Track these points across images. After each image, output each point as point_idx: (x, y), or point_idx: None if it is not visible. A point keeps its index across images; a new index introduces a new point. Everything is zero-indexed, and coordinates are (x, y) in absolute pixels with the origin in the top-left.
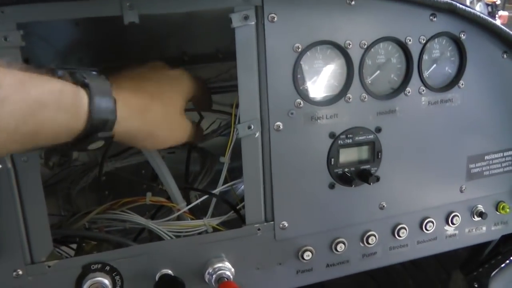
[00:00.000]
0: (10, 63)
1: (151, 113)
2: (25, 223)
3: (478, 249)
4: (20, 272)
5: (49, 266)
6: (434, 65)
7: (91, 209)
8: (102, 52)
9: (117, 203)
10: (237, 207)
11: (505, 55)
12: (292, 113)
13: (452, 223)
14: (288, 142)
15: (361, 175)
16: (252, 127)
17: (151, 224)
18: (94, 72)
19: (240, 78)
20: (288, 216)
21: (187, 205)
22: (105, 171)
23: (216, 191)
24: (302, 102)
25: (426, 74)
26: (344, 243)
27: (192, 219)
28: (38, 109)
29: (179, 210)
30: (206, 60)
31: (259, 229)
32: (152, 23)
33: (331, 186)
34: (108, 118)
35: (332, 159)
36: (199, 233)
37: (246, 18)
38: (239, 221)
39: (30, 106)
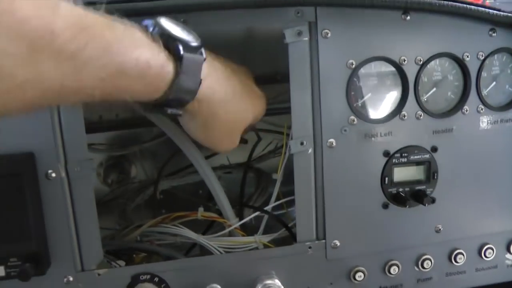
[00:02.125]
0: None
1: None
2: (76, 231)
3: None
4: (71, 279)
5: (99, 274)
6: (494, 83)
7: (143, 222)
8: None
9: (169, 217)
10: (289, 225)
11: None
12: (345, 130)
13: None
14: (341, 159)
15: (416, 196)
16: (305, 143)
17: (202, 239)
18: (194, 44)
19: (293, 94)
20: (340, 235)
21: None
22: (162, 189)
23: (268, 207)
24: (355, 119)
25: (485, 92)
26: (398, 266)
27: (243, 236)
28: (117, 77)
29: (230, 226)
30: (264, 81)
31: (310, 248)
32: (211, 43)
33: (385, 206)
34: (187, 98)
35: (386, 178)
36: (250, 250)
37: (299, 34)
38: (291, 239)
39: (110, 74)
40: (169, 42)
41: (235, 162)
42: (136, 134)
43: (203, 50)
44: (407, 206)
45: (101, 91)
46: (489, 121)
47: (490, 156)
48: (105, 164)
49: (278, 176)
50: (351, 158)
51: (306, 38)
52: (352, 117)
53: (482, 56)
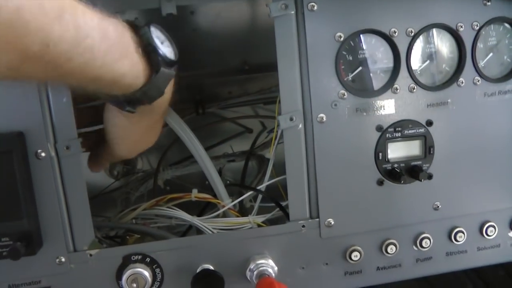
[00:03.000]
0: None
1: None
2: (68, 211)
3: None
4: (63, 260)
5: (90, 255)
6: (491, 54)
7: (138, 205)
8: None
9: (163, 199)
10: (283, 204)
11: None
12: (335, 105)
13: None
14: (333, 134)
15: (412, 172)
16: (294, 118)
17: (196, 221)
18: (172, 59)
19: (280, 69)
20: (334, 213)
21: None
22: (165, 179)
23: (261, 186)
24: (346, 93)
25: (481, 63)
26: (395, 245)
27: (237, 216)
28: (91, 82)
29: (224, 206)
30: (266, 69)
31: (303, 226)
32: (213, 34)
33: (380, 183)
34: (146, 102)
35: (380, 154)
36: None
37: (285, 7)
38: (285, 219)
39: (87, 79)
40: (151, 53)
41: (239, 151)
42: None
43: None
44: (402, 182)
45: (73, 87)
46: (486, 93)
47: (487, 129)
48: None
49: (271, 155)
50: (343, 133)
51: (292, 12)
52: (342, 91)
53: (477, 26)
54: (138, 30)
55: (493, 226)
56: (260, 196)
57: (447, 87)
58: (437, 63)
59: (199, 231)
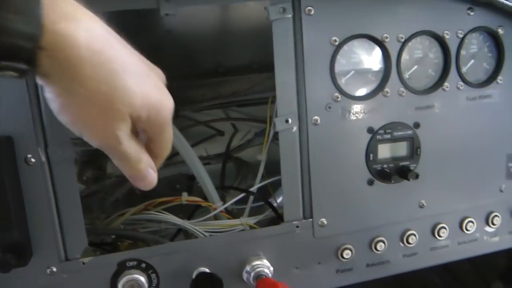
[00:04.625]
0: None
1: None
2: (59, 218)
3: None
4: (54, 269)
5: (83, 263)
6: (472, 61)
7: (126, 210)
8: None
9: (152, 203)
10: (275, 205)
11: None
12: (329, 107)
13: (493, 224)
14: (326, 136)
15: (401, 172)
16: (290, 121)
17: (187, 224)
18: None
19: (277, 72)
20: (327, 213)
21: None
22: None
23: (253, 189)
24: (339, 96)
25: (464, 69)
26: (384, 242)
27: (229, 219)
28: None
29: (215, 209)
30: (240, 72)
31: (297, 227)
32: (187, 36)
33: (370, 183)
34: (22, 44)
35: (371, 155)
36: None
37: (283, 10)
38: (277, 221)
39: None
40: None
41: (214, 153)
42: None
43: None
44: (393, 182)
45: None
46: (468, 97)
47: (469, 131)
48: (80, 161)
49: (263, 157)
50: (335, 135)
51: (290, 15)
52: (336, 94)
53: (461, 34)
54: None
55: (472, 222)
56: (251, 198)
57: (433, 91)
58: (424, 68)
59: (186, 235)
